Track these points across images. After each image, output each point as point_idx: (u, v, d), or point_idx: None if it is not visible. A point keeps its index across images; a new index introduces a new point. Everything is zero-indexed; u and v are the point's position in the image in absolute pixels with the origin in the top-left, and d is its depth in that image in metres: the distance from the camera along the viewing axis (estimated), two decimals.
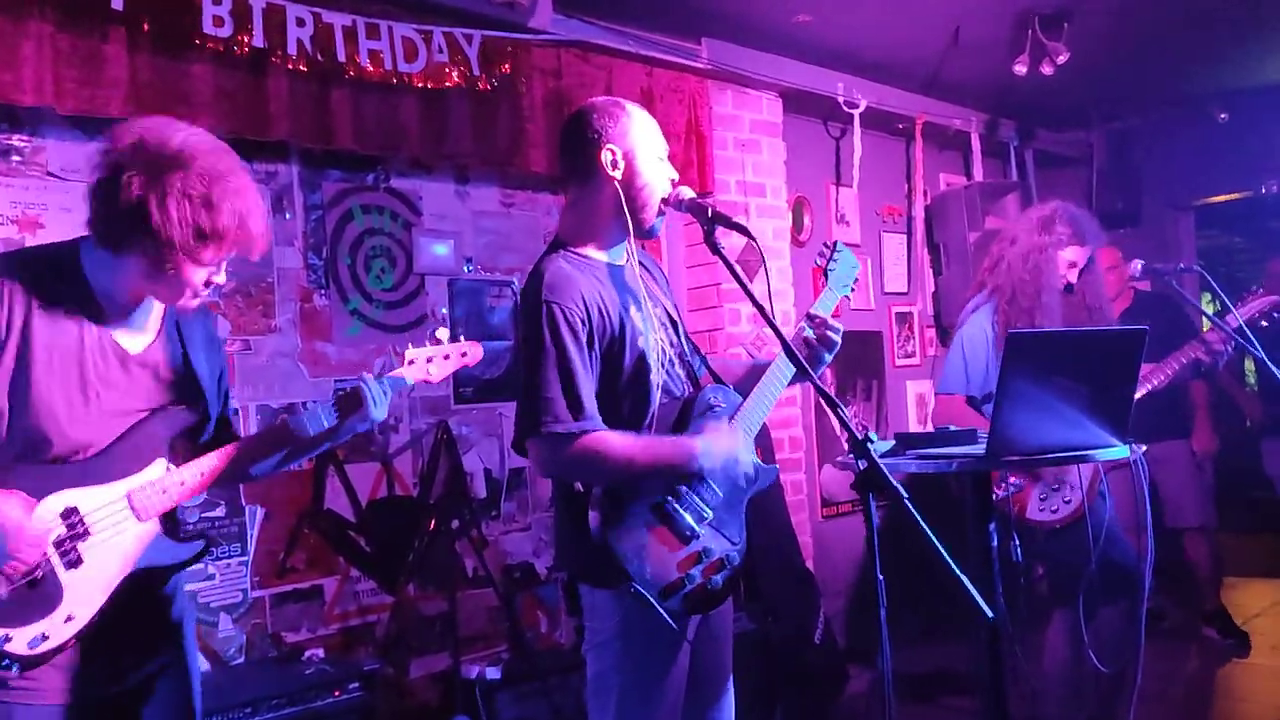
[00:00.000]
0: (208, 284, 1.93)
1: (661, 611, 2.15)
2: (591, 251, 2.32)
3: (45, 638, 1.82)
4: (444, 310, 4.22)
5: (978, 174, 6.23)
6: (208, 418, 2.09)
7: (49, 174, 3.30)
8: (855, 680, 4.58)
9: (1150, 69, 5.69)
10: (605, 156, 2.26)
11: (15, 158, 3.25)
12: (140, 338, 1.99)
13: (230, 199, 1.84)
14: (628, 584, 2.16)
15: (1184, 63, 5.67)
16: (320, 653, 3.50)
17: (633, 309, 2.29)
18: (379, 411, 2.15)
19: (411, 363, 2.22)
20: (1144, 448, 2.74)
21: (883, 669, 2.05)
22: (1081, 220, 3.46)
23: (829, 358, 2.41)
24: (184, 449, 2.05)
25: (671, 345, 2.36)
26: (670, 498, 2.21)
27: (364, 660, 3.55)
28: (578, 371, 2.16)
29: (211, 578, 3.53)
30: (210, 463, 2.01)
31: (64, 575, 1.85)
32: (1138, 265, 3.63)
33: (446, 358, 2.27)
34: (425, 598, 4.03)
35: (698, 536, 2.22)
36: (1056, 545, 3.31)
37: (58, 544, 1.85)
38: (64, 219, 3.29)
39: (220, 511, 3.59)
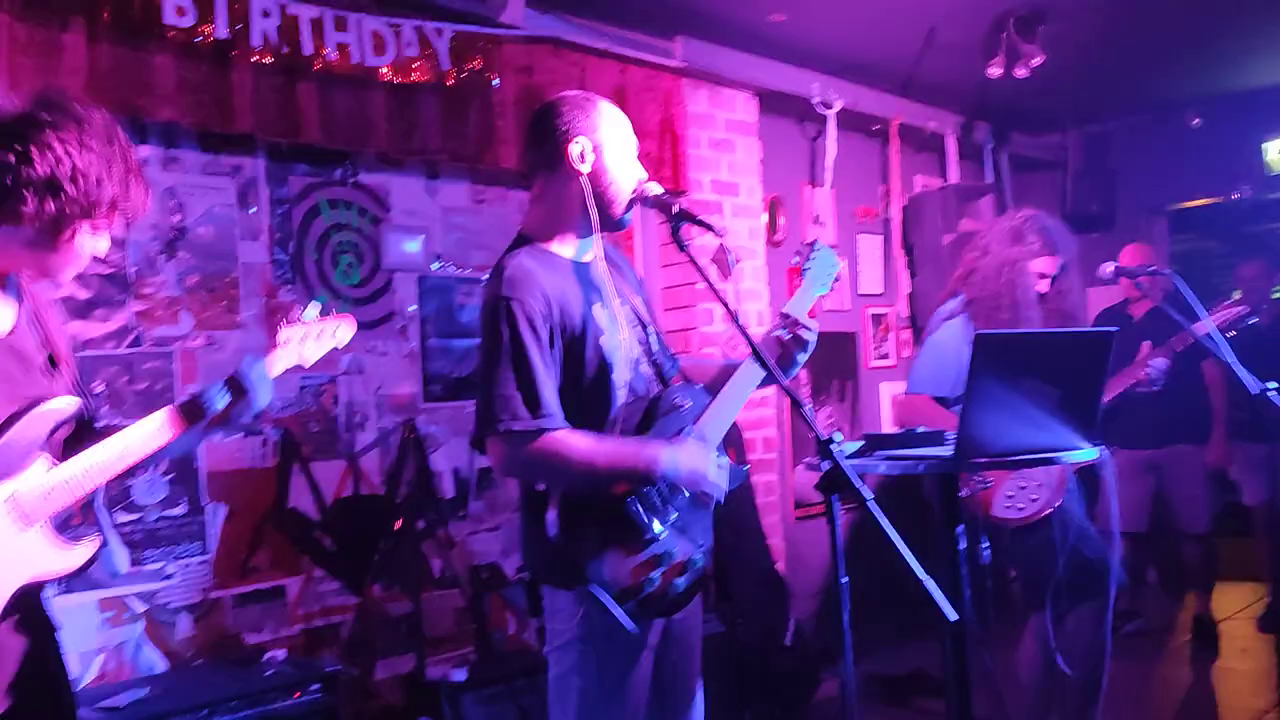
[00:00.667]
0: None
1: (618, 613, 2.12)
2: (556, 247, 2.29)
3: None
4: (412, 308, 4.17)
5: (953, 176, 6.24)
6: (85, 410, 1.92)
7: None
8: (826, 683, 4.58)
9: (1124, 73, 5.72)
10: (574, 149, 2.23)
11: None
12: (4, 316, 1.85)
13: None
14: (585, 586, 2.13)
15: (1158, 67, 5.70)
16: (282, 654, 3.44)
17: (597, 306, 2.25)
18: (263, 397, 2.03)
19: (285, 344, 2.09)
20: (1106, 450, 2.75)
21: (844, 676, 2.03)
22: (1052, 230, 3.45)
23: (802, 358, 2.38)
24: (63, 444, 1.89)
25: (639, 343, 2.32)
26: (633, 498, 2.18)
27: (326, 661, 3.50)
28: (537, 369, 2.12)
29: (170, 577, 3.47)
30: (98, 457, 1.82)
31: None
32: (1109, 268, 3.62)
33: (319, 336, 2.13)
34: (391, 598, 3.98)
35: (658, 539, 2.19)
36: (1023, 543, 3.31)
37: None
38: None
39: (181, 510, 3.52)
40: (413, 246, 4.21)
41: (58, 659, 1.92)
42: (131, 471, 1.91)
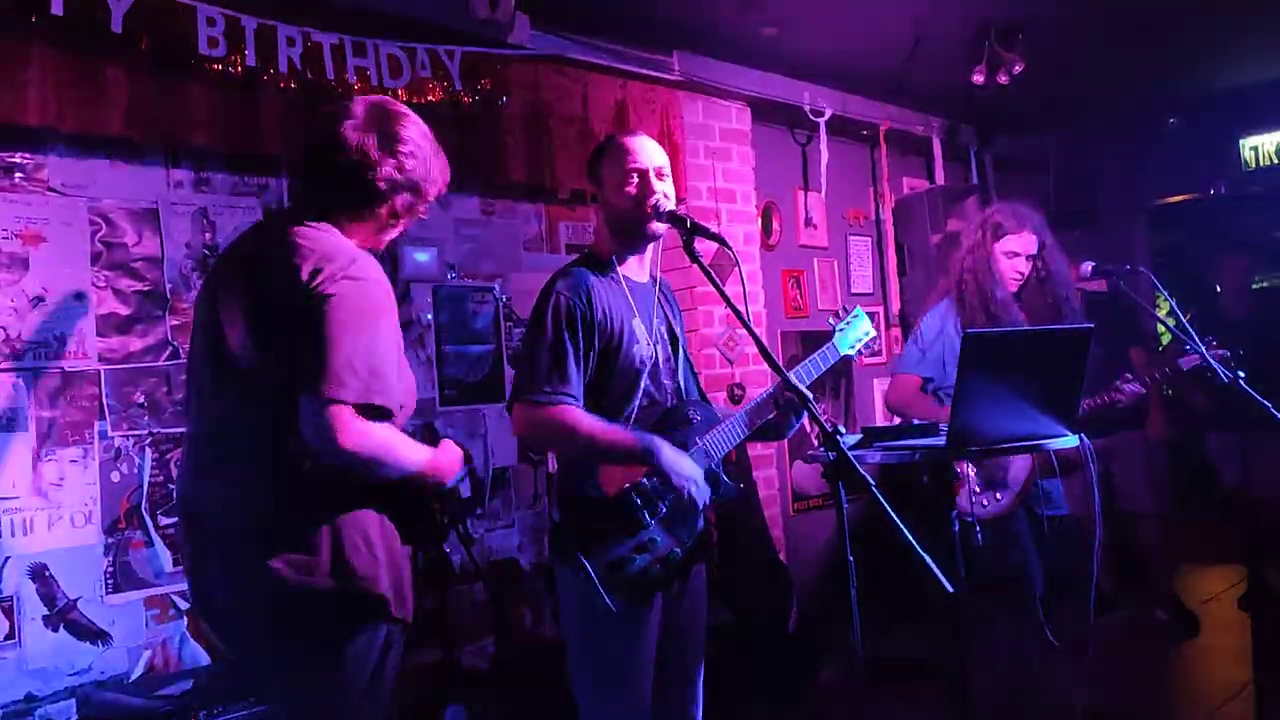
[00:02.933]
0: None
1: (598, 585, 2.37)
2: (611, 264, 2.60)
3: None
4: (429, 316, 4.37)
5: (939, 178, 6.45)
6: None
7: (50, 189, 3.42)
8: (827, 670, 4.75)
9: (1102, 76, 5.92)
10: (591, 192, 2.66)
11: (18, 174, 3.36)
12: None
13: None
14: (577, 557, 2.38)
15: (1135, 69, 5.90)
16: None
17: (636, 320, 2.54)
18: None
19: None
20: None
21: (854, 645, 2.23)
22: (1014, 209, 3.61)
23: (798, 423, 2.69)
24: None
25: (666, 361, 2.61)
26: (632, 490, 2.45)
27: None
28: (568, 352, 2.42)
29: None
30: None
31: None
32: (1088, 266, 3.81)
33: None
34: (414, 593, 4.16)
35: (647, 528, 2.46)
36: (991, 536, 3.46)
37: None
38: (64, 233, 3.42)
39: None
40: (424, 257, 4.40)
41: None
42: None
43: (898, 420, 3.67)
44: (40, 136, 3.36)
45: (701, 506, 2.50)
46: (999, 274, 3.56)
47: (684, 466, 2.44)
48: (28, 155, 3.38)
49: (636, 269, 2.64)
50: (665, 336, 2.65)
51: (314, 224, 2.11)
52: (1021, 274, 3.59)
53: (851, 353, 2.84)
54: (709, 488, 2.50)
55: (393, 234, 2.29)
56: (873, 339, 2.90)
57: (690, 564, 2.60)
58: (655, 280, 2.70)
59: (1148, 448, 5.33)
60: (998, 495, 3.51)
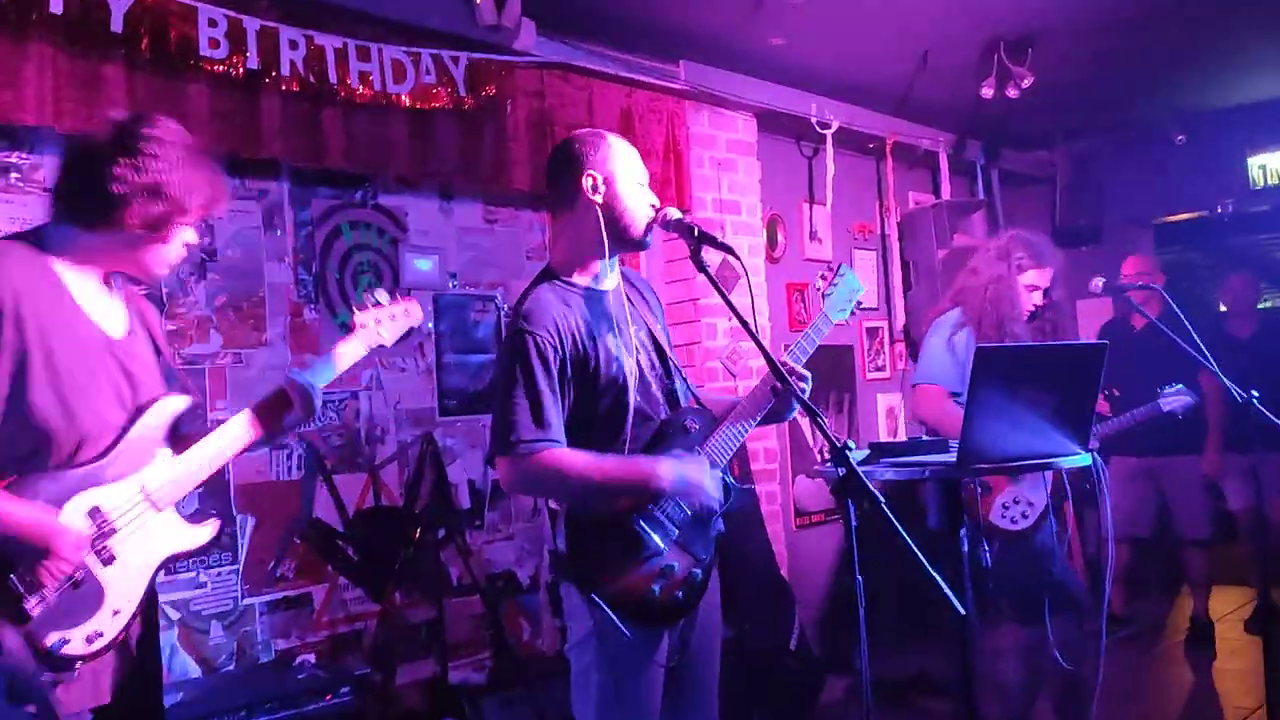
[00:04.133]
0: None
1: (616, 621, 2.25)
2: (577, 278, 2.43)
3: (100, 634, 1.90)
4: (429, 325, 4.32)
5: (946, 192, 6.38)
6: (194, 403, 2.13)
7: (46, 190, 3.36)
8: (830, 688, 4.67)
9: (1111, 92, 5.88)
10: (586, 181, 2.38)
11: (14, 175, 3.32)
12: (117, 325, 2.05)
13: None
14: (591, 597, 2.27)
15: (1143, 86, 5.86)
16: (311, 659, 3.57)
17: (610, 335, 2.39)
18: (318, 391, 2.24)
19: (363, 327, 2.28)
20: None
21: (860, 665, 2.16)
22: (1036, 244, 3.60)
23: (796, 405, 2.47)
24: (180, 436, 2.09)
25: (651, 369, 2.46)
26: (638, 515, 2.32)
27: (353, 666, 3.62)
28: (544, 394, 2.27)
29: (203, 586, 3.60)
30: (213, 446, 2.07)
31: (102, 573, 1.92)
32: (1098, 283, 3.77)
33: (394, 318, 2.33)
34: (411, 605, 4.11)
35: (661, 554, 2.33)
36: (1013, 552, 3.45)
37: (90, 543, 1.90)
38: None
39: (207, 513, 3.65)
40: (426, 265, 4.35)
41: (156, 635, 2.15)
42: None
43: (923, 433, 3.61)
44: (37, 136, 3.32)
45: (717, 509, 2.39)
46: (1020, 305, 3.55)
47: (690, 476, 2.31)
48: (24, 155, 3.34)
49: (603, 277, 2.46)
50: (647, 343, 2.50)
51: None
52: (1037, 305, 3.59)
53: (844, 316, 2.66)
54: (719, 493, 2.39)
55: (161, 256, 2.04)
56: (862, 295, 2.72)
57: (706, 587, 2.49)
58: (622, 284, 2.51)
59: (1201, 476, 5.29)
60: (1024, 513, 3.46)
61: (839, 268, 2.69)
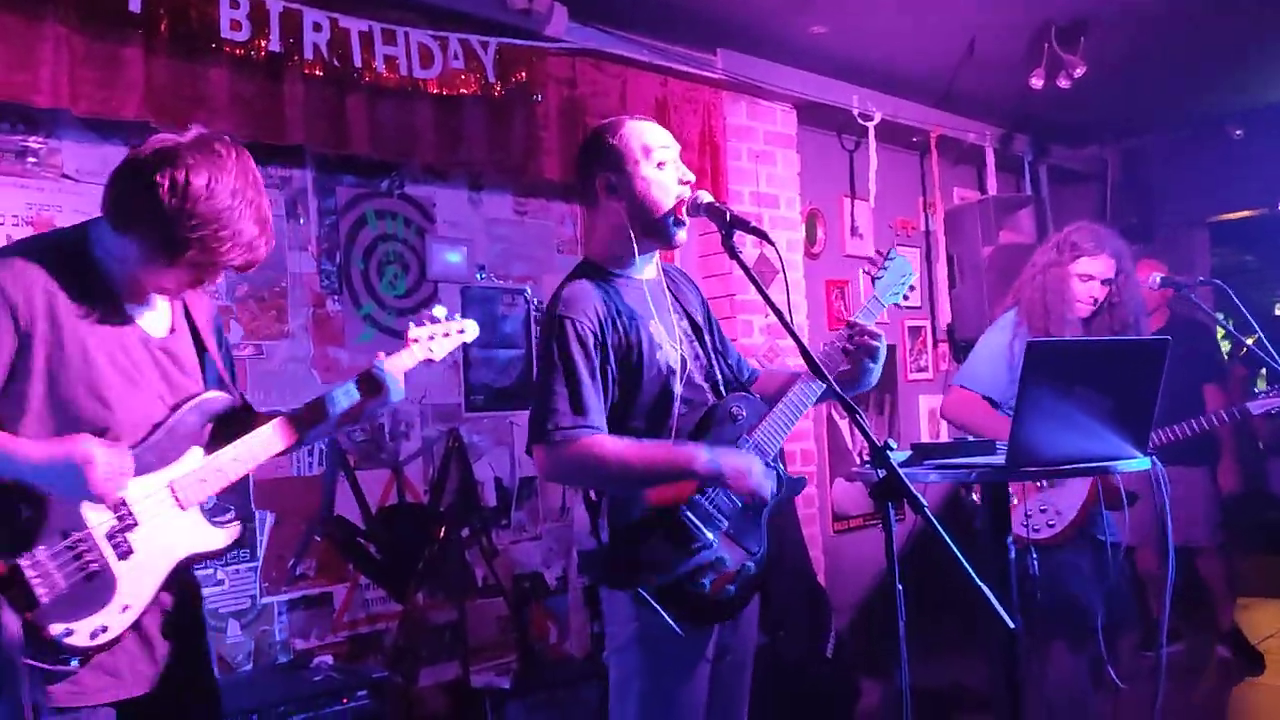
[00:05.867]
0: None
1: (666, 618, 2.16)
2: (613, 268, 2.37)
3: (105, 629, 1.86)
4: (456, 318, 4.20)
5: (991, 188, 6.22)
6: (233, 403, 2.11)
7: (64, 176, 3.31)
8: (867, 695, 4.55)
9: (1166, 85, 5.70)
10: (600, 182, 2.34)
11: (30, 159, 3.25)
12: (159, 324, 2.03)
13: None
14: (637, 589, 2.17)
15: (1200, 79, 5.67)
16: (329, 660, 3.48)
17: (652, 323, 2.32)
18: (397, 393, 2.18)
19: (416, 341, 2.26)
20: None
21: (900, 679, 2.02)
22: (1095, 231, 3.44)
23: (874, 367, 2.42)
24: (217, 435, 2.05)
25: (695, 358, 2.39)
26: (685, 507, 2.22)
27: (372, 668, 3.53)
28: (584, 381, 2.21)
29: (221, 583, 3.52)
30: (246, 448, 2.03)
31: (116, 566, 1.87)
32: (1156, 278, 3.60)
33: (447, 335, 2.31)
34: (434, 606, 4.01)
35: (710, 546, 2.24)
36: (1047, 563, 3.29)
37: (109, 535, 1.87)
38: (78, 220, 3.28)
39: (230, 516, 3.56)
40: (454, 257, 4.25)
41: (202, 630, 2.13)
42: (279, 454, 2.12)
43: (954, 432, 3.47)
44: (54, 120, 3.25)
45: (769, 499, 2.27)
46: (1070, 296, 3.38)
47: (732, 466, 2.20)
48: (41, 139, 3.27)
49: (643, 268, 2.41)
50: (690, 333, 2.42)
51: None
52: (1095, 299, 3.40)
53: (896, 299, 2.60)
54: (771, 481, 2.26)
55: (175, 284, 1.97)
56: (914, 280, 2.67)
57: (762, 579, 2.38)
58: (661, 275, 2.45)
59: (1208, 482, 5.05)
60: (1050, 522, 3.30)
61: (889, 252, 2.61)
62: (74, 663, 1.84)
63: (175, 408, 1.98)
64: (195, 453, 1.99)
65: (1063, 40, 4.79)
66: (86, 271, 1.93)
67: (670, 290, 2.44)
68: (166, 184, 1.82)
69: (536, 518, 4.38)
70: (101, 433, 1.87)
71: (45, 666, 1.81)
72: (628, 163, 2.32)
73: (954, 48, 4.94)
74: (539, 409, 2.22)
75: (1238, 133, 6.37)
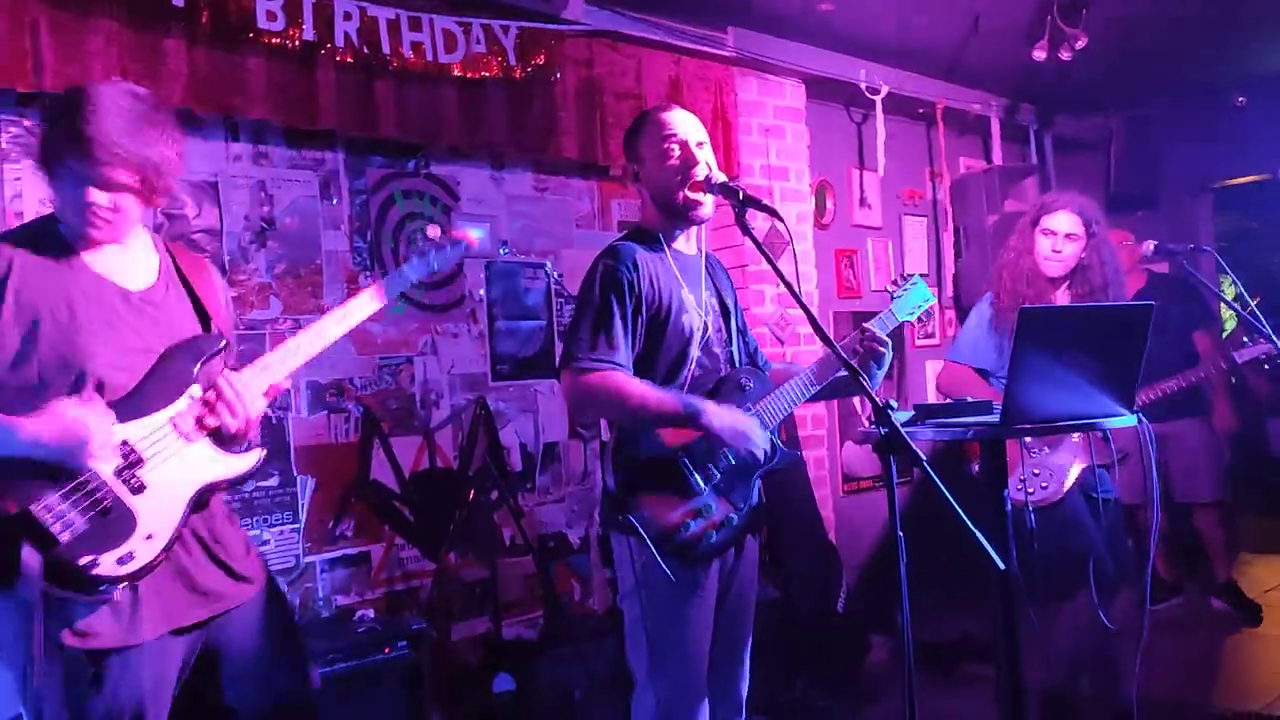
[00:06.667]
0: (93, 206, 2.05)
1: (654, 551, 2.38)
2: (658, 239, 2.60)
3: (131, 556, 1.98)
4: (481, 291, 4.40)
5: (997, 158, 6.34)
6: (227, 344, 2.22)
7: None
8: (876, 649, 4.72)
9: (1169, 53, 5.77)
10: (628, 171, 2.65)
11: None
12: (136, 279, 2.15)
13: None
14: (635, 528, 2.39)
15: (1202, 47, 5.73)
16: (370, 614, 3.69)
17: (684, 290, 2.54)
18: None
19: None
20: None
21: (901, 622, 2.21)
22: (1061, 192, 3.60)
23: (879, 371, 2.61)
24: (213, 373, 2.16)
25: (716, 331, 2.61)
26: (683, 454, 2.45)
27: (411, 621, 3.74)
28: (615, 320, 2.43)
29: (266, 543, 3.73)
30: (257, 373, 2.16)
31: (131, 500, 2.00)
32: (1150, 246, 3.72)
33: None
34: (465, 564, 4.22)
35: (701, 494, 2.46)
36: (1044, 524, 3.43)
37: (118, 473, 1.99)
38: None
39: (274, 482, 3.79)
40: (477, 233, 4.41)
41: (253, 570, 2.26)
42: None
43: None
44: None
45: (762, 460, 2.48)
46: (1035, 253, 3.54)
47: (732, 423, 2.41)
48: None
49: (684, 244, 2.64)
50: (716, 307, 2.64)
51: None
52: (1059, 253, 3.52)
53: (910, 318, 2.79)
54: (766, 445, 2.47)
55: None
56: (930, 306, 2.85)
57: (746, 533, 2.59)
58: (703, 255, 2.69)
59: (1207, 434, 5.17)
60: (1044, 485, 3.46)
61: (913, 277, 2.83)
62: (114, 591, 1.96)
63: (168, 351, 2.10)
64: (194, 390, 2.10)
65: (1065, 13, 4.90)
66: (49, 236, 2.09)
67: (708, 271, 2.67)
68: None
69: (560, 481, 4.58)
70: (78, 376, 2.00)
71: (82, 597, 1.95)
72: (644, 153, 2.58)
73: (959, 20, 5.05)
74: (572, 339, 2.45)
75: (1240, 100, 6.46)
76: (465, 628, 4.18)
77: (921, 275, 2.85)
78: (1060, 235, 3.52)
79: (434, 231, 2.53)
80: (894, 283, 2.82)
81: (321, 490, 3.90)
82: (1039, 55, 5.04)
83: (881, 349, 2.57)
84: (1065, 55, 5.02)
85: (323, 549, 3.89)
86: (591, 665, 3.86)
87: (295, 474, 3.83)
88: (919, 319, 2.86)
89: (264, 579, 2.28)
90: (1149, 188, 6.66)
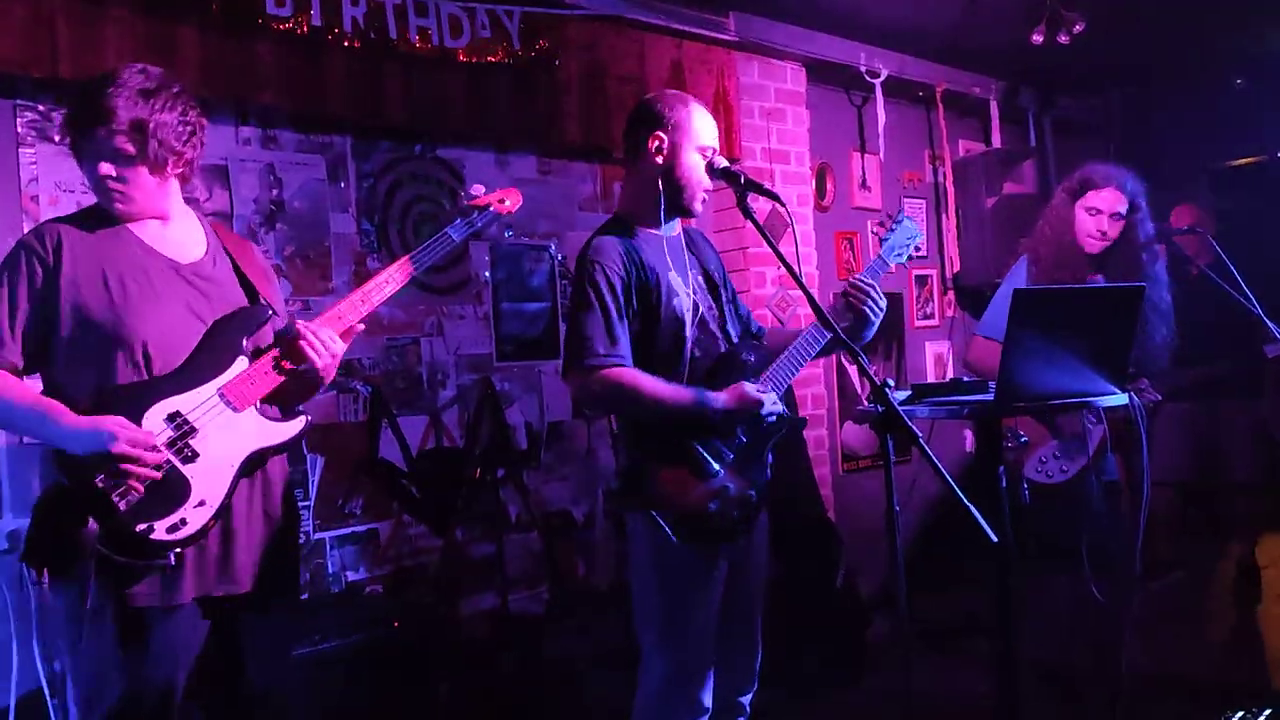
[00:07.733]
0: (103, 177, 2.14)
1: (671, 536, 2.43)
2: (639, 224, 2.62)
3: (185, 522, 2.07)
4: (486, 274, 4.47)
5: (996, 140, 6.37)
6: (274, 314, 2.30)
7: None
8: (876, 625, 4.79)
9: (1167, 35, 5.77)
10: (653, 143, 2.57)
11: None
12: (186, 252, 2.24)
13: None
14: (649, 511, 2.44)
15: (1200, 29, 5.75)
16: (379, 589, 3.77)
17: (672, 273, 2.57)
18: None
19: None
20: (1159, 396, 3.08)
21: (898, 592, 2.28)
22: (1106, 168, 3.49)
23: (874, 321, 2.64)
24: (262, 343, 2.25)
25: (708, 309, 2.63)
26: (695, 440, 2.49)
27: (419, 597, 3.82)
28: (613, 317, 2.47)
29: None
30: (332, 319, 2.24)
31: (184, 469, 2.09)
32: (1150, 227, 3.74)
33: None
34: (472, 541, 4.30)
35: (718, 475, 2.50)
36: (1053, 504, 3.49)
37: (170, 444, 2.08)
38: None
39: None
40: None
41: (293, 528, 2.38)
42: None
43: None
44: None
45: (783, 422, 2.54)
46: (1076, 230, 3.47)
47: (747, 394, 2.46)
48: None
49: (664, 227, 2.65)
50: (704, 285, 2.67)
51: None
52: (1103, 233, 3.45)
53: (901, 260, 2.79)
54: (783, 407, 2.52)
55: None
56: (920, 242, 2.82)
57: (760, 508, 2.63)
58: (681, 234, 2.70)
59: (1253, 420, 5.21)
60: (1064, 467, 3.51)
61: (898, 214, 2.83)
62: (170, 556, 2.05)
63: (217, 323, 2.18)
64: (240, 362, 2.18)
65: None
66: (98, 215, 2.19)
67: (689, 248, 2.69)
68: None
69: (564, 460, 4.65)
70: (122, 343, 2.09)
71: (138, 563, 2.04)
72: (684, 137, 2.57)
73: (957, 4, 5.06)
74: (574, 341, 2.49)
75: (1239, 81, 6.49)
76: (472, 603, 4.26)
77: (922, 257, 2.86)
78: (1106, 215, 3.43)
79: (478, 190, 2.59)
80: (880, 224, 2.83)
81: (331, 468, 3.98)
82: (1036, 39, 5.07)
83: (864, 305, 2.59)
84: (1063, 39, 5.04)
85: (332, 526, 3.97)
86: (596, 638, 3.95)
87: (305, 452, 3.91)
88: (910, 258, 2.83)
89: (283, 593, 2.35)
90: (1148, 169, 6.66)
